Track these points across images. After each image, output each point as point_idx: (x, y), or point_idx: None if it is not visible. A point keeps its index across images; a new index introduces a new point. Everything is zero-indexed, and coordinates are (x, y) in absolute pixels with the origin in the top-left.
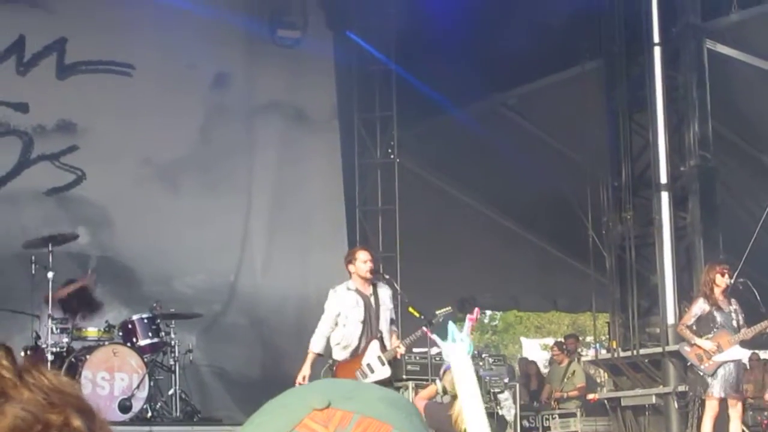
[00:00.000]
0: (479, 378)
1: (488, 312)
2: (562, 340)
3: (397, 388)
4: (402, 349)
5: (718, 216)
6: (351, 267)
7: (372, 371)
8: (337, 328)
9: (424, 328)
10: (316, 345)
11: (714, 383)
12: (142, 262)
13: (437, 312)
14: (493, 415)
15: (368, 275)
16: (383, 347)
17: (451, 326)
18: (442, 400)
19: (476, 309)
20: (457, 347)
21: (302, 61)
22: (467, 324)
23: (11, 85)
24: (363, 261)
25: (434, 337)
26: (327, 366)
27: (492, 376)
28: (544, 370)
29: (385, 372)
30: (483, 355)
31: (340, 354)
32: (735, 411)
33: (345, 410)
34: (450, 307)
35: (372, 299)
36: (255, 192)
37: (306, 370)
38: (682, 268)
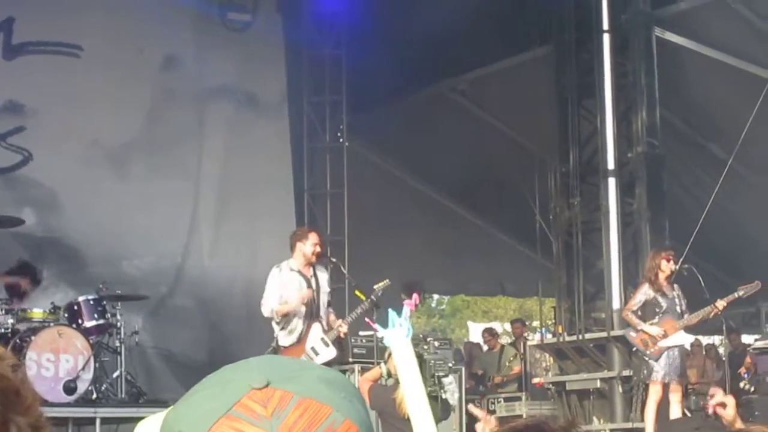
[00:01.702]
0: (424, 361)
1: (435, 296)
2: (491, 327)
3: (344, 371)
4: (344, 328)
5: (664, 203)
6: (300, 245)
7: (317, 354)
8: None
9: (367, 319)
10: (274, 303)
11: (659, 368)
12: (89, 244)
13: (375, 287)
14: (437, 399)
15: (313, 259)
16: (324, 329)
17: (392, 314)
18: (386, 383)
19: (414, 294)
20: (396, 332)
21: (252, 44)
22: (405, 309)
23: None
24: (312, 243)
25: (376, 326)
26: (270, 350)
27: (436, 359)
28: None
29: (330, 353)
30: (428, 339)
31: (285, 339)
32: (676, 395)
33: (284, 390)
34: (387, 280)
35: (313, 281)
36: (203, 175)
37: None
38: (628, 254)
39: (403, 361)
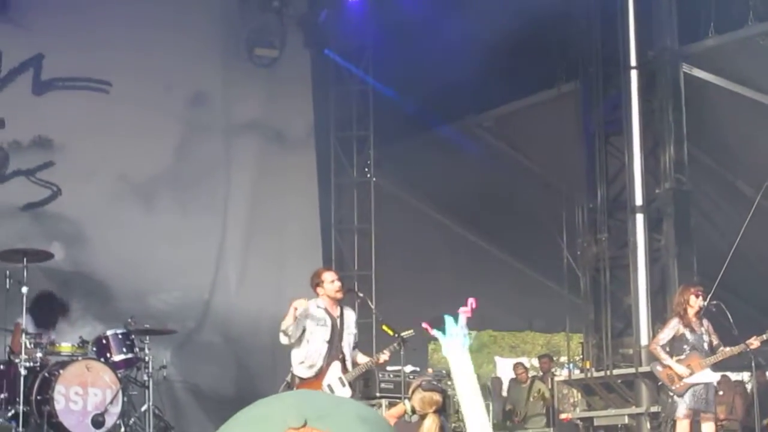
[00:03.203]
0: (448, 397)
1: None
2: (523, 361)
3: (371, 406)
4: (386, 356)
5: (692, 239)
6: (319, 290)
7: (332, 392)
8: (301, 345)
9: (425, 324)
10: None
11: (685, 404)
12: (117, 278)
13: (403, 334)
14: None
15: (339, 294)
16: (344, 369)
17: (448, 320)
18: (410, 419)
19: (470, 300)
20: (453, 341)
21: (279, 80)
22: (462, 317)
23: None
24: (330, 281)
25: (436, 332)
26: (284, 384)
27: None
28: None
29: (345, 393)
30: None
31: (303, 372)
32: (708, 429)
33: (321, 430)
34: (412, 330)
35: (338, 321)
36: (231, 210)
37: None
38: (656, 289)
39: (460, 372)
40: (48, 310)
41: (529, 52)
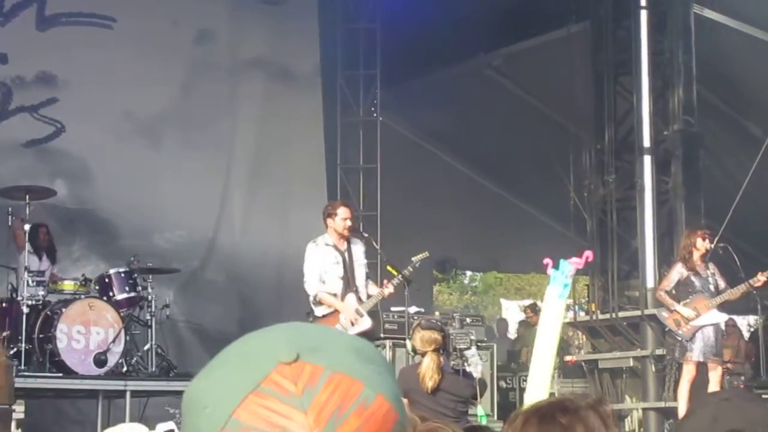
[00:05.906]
0: (447, 336)
1: (468, 273)
2: (536, 303)
3: (376, 347)
4: (390, 288)
5: (700, 181)
6: (330, 221)
7: (352, 324)
8: (317, 285)
9: (547, 259)
10: (318, 288)
11: (692, 347)
12: (120, 216)
13: (413, 258)
14: (459, 372)
15: (345, 233)
16: (359, 300)
17: (562, 265)
18: (413, 359)
19: (587, 253)
20: (554, 288)
21: (286, 17)
22: (571, 267)
23: None
24: (342, 218)
25: (551, 271)
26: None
27: (458, 333)
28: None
29: (365, 323)
30: (454, 315)
31: (319, 311)
32: (715, 374)
33: (315, 364)
34: (427, 252)
35: (347, 255)
36: (236, 149)
37: (343, 307)
38: (663, 232)
39: (547, 317)
40: (39, 239)
41: None
